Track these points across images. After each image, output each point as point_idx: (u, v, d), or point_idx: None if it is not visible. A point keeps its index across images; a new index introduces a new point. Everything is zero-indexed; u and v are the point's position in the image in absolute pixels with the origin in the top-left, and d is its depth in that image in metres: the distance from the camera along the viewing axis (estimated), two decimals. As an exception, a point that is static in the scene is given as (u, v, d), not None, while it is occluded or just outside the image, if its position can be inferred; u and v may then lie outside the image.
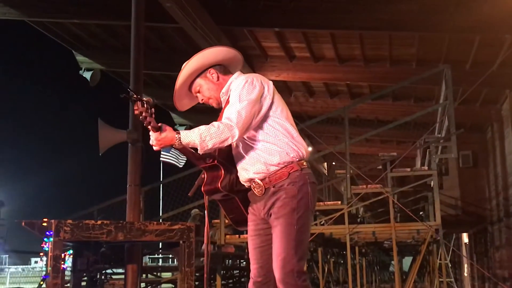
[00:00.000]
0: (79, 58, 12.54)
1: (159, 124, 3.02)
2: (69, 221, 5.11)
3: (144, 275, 10.58)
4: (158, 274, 11.96)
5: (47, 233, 5.08)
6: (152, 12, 8.46)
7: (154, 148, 3.07)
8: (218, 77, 3.40)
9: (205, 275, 3.11)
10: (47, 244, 5.18)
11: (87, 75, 12.53)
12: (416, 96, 13.02)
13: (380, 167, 9.82)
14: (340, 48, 10.74)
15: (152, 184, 10.74)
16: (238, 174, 3.31)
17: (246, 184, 3.29)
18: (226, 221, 9.46)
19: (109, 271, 8.71)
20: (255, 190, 3.25)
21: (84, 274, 6.33)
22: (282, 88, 13.00)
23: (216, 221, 9.48)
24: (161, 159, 30.37)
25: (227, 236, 9.45)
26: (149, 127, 3.01)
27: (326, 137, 14.58)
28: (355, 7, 8.95)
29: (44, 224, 5.07)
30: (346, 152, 9.02)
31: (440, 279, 9.53)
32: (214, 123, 3.08)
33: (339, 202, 9.33)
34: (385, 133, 14.45)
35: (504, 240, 12.63)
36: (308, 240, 3.28)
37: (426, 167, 9.33)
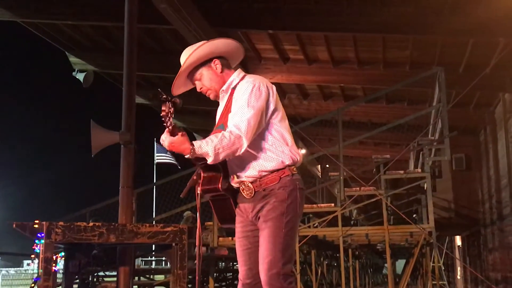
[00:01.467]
0: (72, 59, 12.50)
1: (181, 133, 3.02)
2: (61, 223, 5.08)
3: (136, 278, 10.55)
4: (151, 276, 11.93)
5: (38, 235, 5.04)
6: (146, 14, 8.44)
7: (165, 146, 3.06)
8: (222, 70, 3.39)
9: (197, 277, 3.09)
10: (38, 246, 5.14)
11: (80, 76, 12.49)
12: (410, 99, 13.04)
13: (374, 169, 9.81)
14: (334, 50, 10.74)
15: (145, 186, 10.71)
16: (231, 176, 3.30)
17: (235, 185, 3.29)
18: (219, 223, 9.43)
19: (101, 273, 8.71)
20: (244, 192, 3.26)
21: (76, 276, 6.30)
22: (276, 90, 12.98)
23: (209, 223, 9.44)
24: (156, 161, 30.38)
25: (220, 239, 9.41)
26: (167, 128, 3.02)
27: (319, 139, 14.58)
28: (349, 9, 8.95)
29: (36, 226, 5.03)
30: (340, 154, 9.01)
31: (433, 282, 9.52)
32: (225, 133, 3.07)
33: (333, 204, 9.31)
34: (378, 136, 14.47)
35: (497, 243, 12.65)
36: (295, 245, 3.30)
37: (419, 170, 9.32)
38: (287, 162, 3.24)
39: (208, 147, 3.01)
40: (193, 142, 3.03)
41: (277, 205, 3.16)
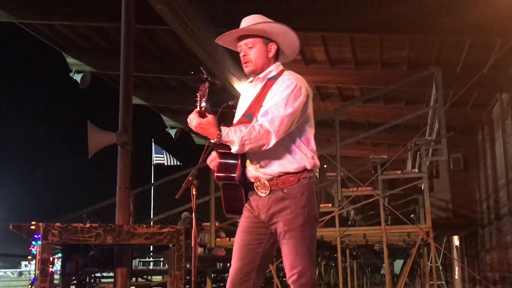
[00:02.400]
0: (69, 60, 12.50)
1: (212, 115, 3.00)
2: (58, 224, 5.06)
3: (134, 279, 10.52)
4: (148, 277, 11.91)
5: (35, 236, 5.03)
6: (143, 14, 8.42)
7: (191, 126, 3.04)
8: (273, 55, 3.35)
9: (192, 278, 3.08)
10: (35, 247, 5.13)
11: (78, 77, 12.50)
12: (407, 99, 13.04)
13: (371, 169, 9.82)
14: (331, 51, 10.74)
15: (142, 187, 10.69)
16: (247, 169, 3.24)
17: (251, 180, 3.23)
18: (217, 223, 9.43)
19: (98, 274, 8.68)
20: (258, 189, 3.20)
21: (73, 277, 6.28)
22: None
23: (206, 224, 9.44)
24: (154, 161, 30.35)
25: (218, 239, 9.41)
26: (198, 108, 3.01)
27: (317, 139, 14.40)
28: (346, 9, 8.95)
29: (32, 227, 5.02)
30: (337, 155, 9.01)
31: (431, 282, 9.53)
32: (255, 126, 3.04)
33: (330, 204, 9.31)
34: (376, 136, 14.47)
35: (494, 243, 12.65)
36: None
37: (416, 170, 9.33)
38: (308, 167, 3.20)
39: (235, 136, 2.98)
40: (221, 127, 3.00)
41: (299, 213, 3.12)
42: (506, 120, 10.95)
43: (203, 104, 3.02)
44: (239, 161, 3.18)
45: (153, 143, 30.23)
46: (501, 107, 11.27)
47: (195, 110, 3.02)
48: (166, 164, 30.05)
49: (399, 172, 9.08)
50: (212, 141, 3.02)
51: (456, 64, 10.20)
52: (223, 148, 3.13)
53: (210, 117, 3.00)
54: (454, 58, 10.07)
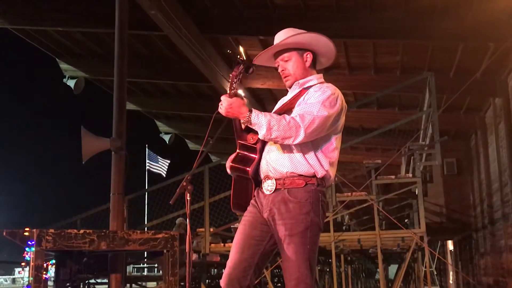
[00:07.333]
0: (63, 66, 12.49)
1: (243, 98, 3.05)
2: (51, 230, 5.05)
3: (128, 285, 10.49)
4: (143, 283, 11.87)
5: (29, 242, 5.02)
6: (136, 20, 8.43)
7: (221, 108, 3.07)
8: (309, 65, 3.35)
9: (187, 284, 3.07)
10: (29, 253, 5.12)
11: (71, 83, 12.50)
12: (401, 104, 13.07)
13: (365, 174, 9.82)
14: (324, 56, 10.73)
15: (136, 193, 10.66)
16: (261, 164, 3.23)
17: (261, 176, 3.22)
18: (211, 229, 9.42)
19: (92, 281, 8.66)
20: (265, 186, 3.18)
21: (67, 284, 6.27)
22: (267, 96, 13.00)
23: (201, 229, 9.42)
24: (147, 168, 30.31)
25: (212, 245, 9.39)
26: (229, 91, 3.06)
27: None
28: (339, 15, 8.97)
29: (26, 233, 5.01)
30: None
31: (425, 287, 9.52)
32: (286, 116, 3.04)
33: (325, 209, 9.28)
34: (370, 141, 14.48)
35: (488, 247, 12.68)
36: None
37: (410, 175, 9.34)
38: (318, 175, 3.15)
39: (265, 119, 2.98)
40: (252, 109, 3.02)
41: (302, 219, 3.07)
42: (499, 125, 10.98)
43: (234, 86, 3.07)
44: (257, 157, 3.19)
45: (147, 149, 30.19)
46: (494, 111, 11.31)
47: (227, 94, 3.08)
48: (159, 171, 29.93)
49: (393, 177, 9.08)
50: (242, 121, 3.05)
51: (449, 69, 10.23)
52: (245, 139, 3.15)
53: (238, 98, 3.05)
54: (447, 63, 10.10)
